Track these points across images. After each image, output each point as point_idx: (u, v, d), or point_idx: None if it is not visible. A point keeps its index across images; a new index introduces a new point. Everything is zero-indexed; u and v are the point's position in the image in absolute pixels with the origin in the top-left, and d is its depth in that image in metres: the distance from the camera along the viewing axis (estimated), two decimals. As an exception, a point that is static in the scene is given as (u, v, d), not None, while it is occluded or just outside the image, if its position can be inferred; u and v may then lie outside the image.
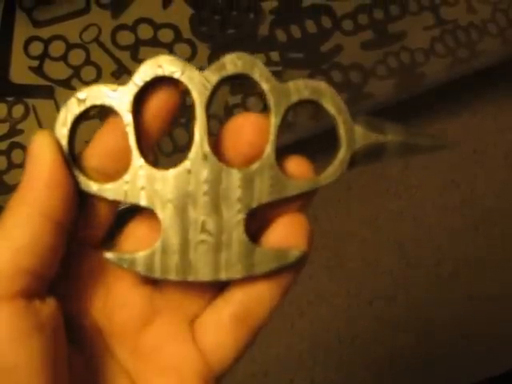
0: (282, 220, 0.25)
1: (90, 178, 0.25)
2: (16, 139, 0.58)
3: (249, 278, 0.25)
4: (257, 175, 0.25)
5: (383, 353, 0.89)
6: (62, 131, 0.25)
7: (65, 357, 0.24)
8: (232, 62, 0.25)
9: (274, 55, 0.65)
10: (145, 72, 0.25)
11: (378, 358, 0.89)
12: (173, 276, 0.25)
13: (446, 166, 0.94)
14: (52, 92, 0.59)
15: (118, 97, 0.25)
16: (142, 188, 0.25)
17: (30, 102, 0.59)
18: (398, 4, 0.70)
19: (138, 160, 0.25)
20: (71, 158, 0.25)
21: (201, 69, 0.25)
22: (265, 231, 0.26)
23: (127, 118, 0.25)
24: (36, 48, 0.60)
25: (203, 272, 0.25)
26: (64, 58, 0.60)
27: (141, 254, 0.25)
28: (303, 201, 0.26)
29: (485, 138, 0.96)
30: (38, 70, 0.60)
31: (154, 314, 0.26)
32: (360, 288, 0.89)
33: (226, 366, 0.26)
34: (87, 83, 0.60)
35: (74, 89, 0.60)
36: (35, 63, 0.60)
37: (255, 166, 0.25)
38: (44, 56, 0.60)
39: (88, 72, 0.60)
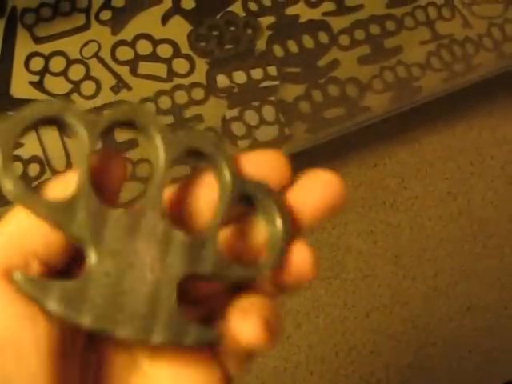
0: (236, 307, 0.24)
1: None
2: (15, 152, 0.59)
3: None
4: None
5: (380, 365, 0.89)
6: None
7: (74, 361, 0.23)
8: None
9: (272, 70, 0.66)
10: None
11: (375, 370, 0.89)
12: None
13: (442, 178, 0.94)
14: (52, 106, 0.60)
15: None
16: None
17: (31, 116, 0.59)
18: (394, 19, 0.71)
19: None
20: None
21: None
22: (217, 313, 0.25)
23: None
24: (37, 63, 0.61)
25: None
26: (64, 73, 0.61)
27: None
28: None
29: (482, 149, 0.97)
30: (39, 85, 0.60)
31: None
32: (357, 300, 0.89)
33: None
34: (87, 98, 0.61)
35: (73, 103, 0.61)
36: (36, 78, 0.61)
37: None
38: (44, 71, 0.61)
39: (88, 87, 0.61)
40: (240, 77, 0.65)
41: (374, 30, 0.70)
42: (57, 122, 0.24)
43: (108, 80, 0.62)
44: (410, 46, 0.71)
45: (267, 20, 0.67)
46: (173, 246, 0.24)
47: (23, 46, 0.61)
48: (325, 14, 0.69)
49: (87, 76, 0.61)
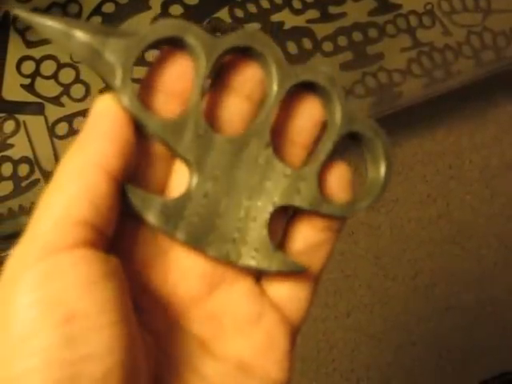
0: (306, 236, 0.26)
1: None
2: (6, 153, 0.60)
3: None
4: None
5: (361, 363, 0.90)
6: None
7: (131, 311, 0.23)
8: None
9: (257, 75, 0.67)
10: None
11: (356, 368, 0.90)
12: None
13: (422, 181, 0.96)
14: (42, 108, 0.61)
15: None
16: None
17: (21, 117, 0.60)
18: (377, 27, 0.72)
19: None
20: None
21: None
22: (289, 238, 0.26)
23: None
24: (28, 67, 0.62)
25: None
26: (55, 76, 0.62)
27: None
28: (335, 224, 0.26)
29: (461, 154, 0.98)
30: (30, 88, 0.61)
31: (218, 278, 0.25)
32: (338, 299, 0.91)
33: (303, 319, 0.26)
34: (76, 100, 0.62)
35: (63, 106, 0.62)
36: (27, 81, 0.62)
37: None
38: (35, 74, 0.62)
39: (77, 90, 0.62)
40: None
41: (357, 37, 0.71)
42: (176, 43, 0.24)
43: (97, 83, 0.63)
44: (391, 53, 0.72)
45: (253, 26, 0.69)
46: (273, 175, 0.24)
47: (15, 49, 0.61)
48: (309, 21, 0.70)
49: (77, 79, 0.62)
